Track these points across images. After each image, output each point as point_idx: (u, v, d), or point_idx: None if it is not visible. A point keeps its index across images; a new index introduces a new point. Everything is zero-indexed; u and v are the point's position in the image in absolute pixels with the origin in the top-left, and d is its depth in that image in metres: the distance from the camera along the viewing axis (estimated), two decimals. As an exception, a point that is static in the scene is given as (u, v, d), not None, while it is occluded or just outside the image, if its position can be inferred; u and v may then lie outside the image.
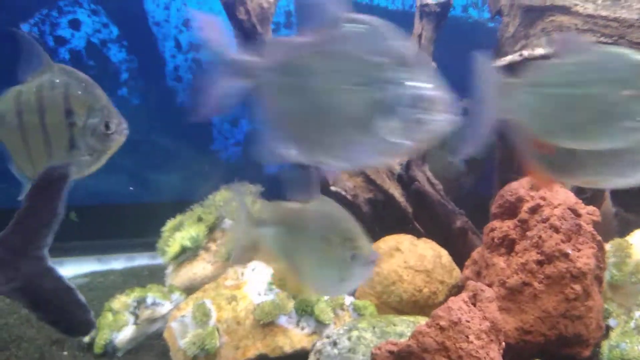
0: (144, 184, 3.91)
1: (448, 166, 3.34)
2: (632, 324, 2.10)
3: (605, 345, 2.07)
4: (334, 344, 1.90)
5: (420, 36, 3.17)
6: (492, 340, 1.71)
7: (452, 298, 1.74)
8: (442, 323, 1.67)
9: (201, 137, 3.83)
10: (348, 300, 2.30)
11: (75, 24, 3.61)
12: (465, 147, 1.56)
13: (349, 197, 2.82)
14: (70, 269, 3.53)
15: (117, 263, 3.63)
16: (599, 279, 2.14)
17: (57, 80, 1.88)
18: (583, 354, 2.08)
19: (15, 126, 1.90)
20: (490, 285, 2.16)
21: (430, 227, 2.70)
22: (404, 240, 2.50)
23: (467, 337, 1.64)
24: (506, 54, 2.92)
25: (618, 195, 2.87)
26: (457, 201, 2.94)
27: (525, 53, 2.80)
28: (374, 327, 1.97)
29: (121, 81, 3.70)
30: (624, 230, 2.56)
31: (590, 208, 2.22)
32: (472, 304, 1.75)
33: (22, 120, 1.89)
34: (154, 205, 3.70)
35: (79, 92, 1.88)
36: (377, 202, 2.89)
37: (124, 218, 3.76)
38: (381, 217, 2.89)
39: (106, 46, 3.66)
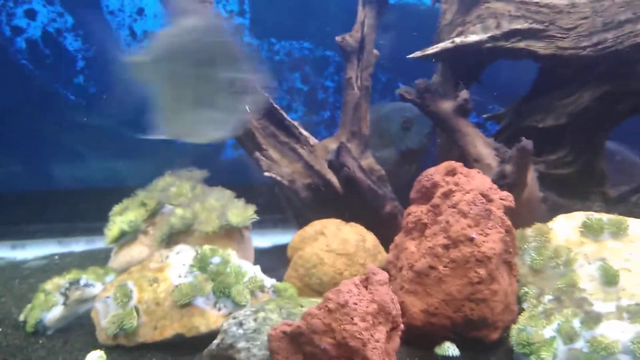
0: (106, 170, 3.91)
1: (384, 156, 3.34)
2: (540, 308, 2.08)
3: (514, 329, 2.06)
4: (240, 324, 1.89)
5: (362, 23, 3.15)
6: (380, 322, 1.70)
7: (344, 281, 1.74)
8: (330, 305, 1.66)
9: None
10: (269, 282, 2.29)
11: (30, 14, 3.59)
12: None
13: (285, 182, 2.82)
14: (31, 252, 3.56)
15: (77, 246, 3.65)
16: (508, 263, 2.12)
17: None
18: (491, 337, 2.07)
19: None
20: (402, 269, 2.16)
21: (361, 211, 2.69)
22: (330, 225, 2.49)
23: (353, 319, 1.63)
24: (443, 41, 2.90)
25: (549, 181, 2.86)
26: (398, 191, 2.93)
27: (457, 40, 2.78)
28: (281, 309, 1.96)
29: (77, 69, 3.69)
30: (556, 214, 2.55)
31: (504, 193, 2.21)
32: (364, 286, 1.74)
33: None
34: (116, 189, 3.71)
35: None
36: (316, 188, 2.89)
37: (86, 202, 3.77)
38: (320, 202, 2.89)
39: (62, 35, 3.64)
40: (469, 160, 2.72)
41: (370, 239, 2.49)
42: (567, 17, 2.65)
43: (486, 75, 3.22)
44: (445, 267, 2.01)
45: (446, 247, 2.03)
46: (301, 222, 2.77)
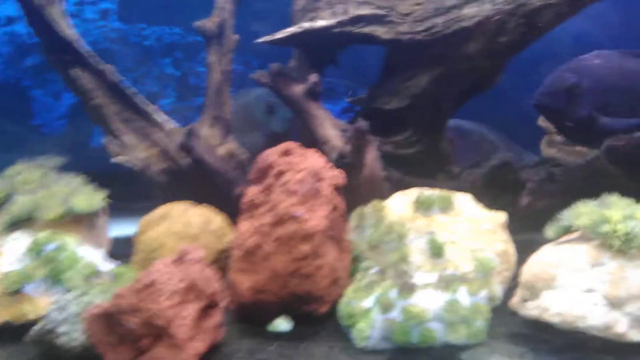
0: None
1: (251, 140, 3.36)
2: (364, 282, 2.15)
3: (341, 302, 2.12)
4: (62, 309, 1.86)
5: (222, 8, 3.15)
6: (191, 300, 1.72)
7: (157, 260, 1.75)
8: (138, 285, 1.67)
9: (21, 112, 3.70)
10: (108, 267, 2.27)
11: None
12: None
13: (137, 168, 2.79)
14: None
15: None
16: (335, 239, 2.18)
17: None
18: (320, 311, 2.12)
19: None
20: (235, 249, 2.19)
21: (213, 195, 2.69)
22: (175, 208, 2.48)
23: (159, 297, 1.64)
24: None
25: (396, 161, 2.96)
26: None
27: (306, 25, 2.82)
28: (105, 292, 1.95)
29: None
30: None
31: (335, 172, 2.26)
32: (176, 265, 1.76)
33: None
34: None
35: None
36: (174, 172, 2.88)
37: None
38: (176, 186, 2.88)
39: None
40: (318, 142, 2.78)
41: (217, 221, 2.50)
42: (404, 3, 2.73)
43: (357, 59, 3.28)
44: (271, 244, 2.04)
45: (273, 225, 2.06)
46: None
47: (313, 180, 2.14)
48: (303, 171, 2.16)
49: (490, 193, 2.57)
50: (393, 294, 2.00)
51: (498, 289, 2.27)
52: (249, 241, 2.08)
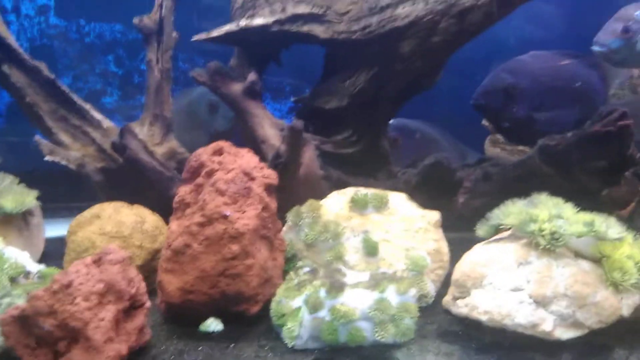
0: None
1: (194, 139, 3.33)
2: (295, 281, 2.14)
3: (273, 302, 2.11)
4: (-19, 311, 1.83)
5: (161, 5, 3.11)
6: (110, 301, 1.69)
7: (76, 261, 1.71)
8: (55, 286, 1.63)
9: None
10: (36, 267, 2.22)
11: None
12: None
13: (72, 166, 2.74)
14: None
15: None
16: (267, 239, 2.17)
17: None
18: (251, 311, 2.10)
19: None
20: (164, 248, 2.16)
21: (149, 194, 2.66)
22: (108, 208, 2.44)
23: (75, 299, 1.61)
24: (233, 25, 2.91)
25: (337, 160, 2.96)
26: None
27: (242, 23, 2.80)
28: (28, 293, 1.90)
29: None
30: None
31: (267, 171, 2.24)
32: (96, 266, 1.72)
33: None
34: None
35: None
36: (111, 171, 2.83)
37: None
38: (113, 185, 2.83)
39: None
40: (258, 141, 2.76)
41: (152, 220, 2.46)
42: (341, 1, 2.73)
43: (304, 58, 3.27)
44: (199, 244, 2.02)
45: (201, 224, 2.03)
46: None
47: (244, 180, 2.13)
48: (234, 170, 2.14)
49: (425, 192, 2.59)
50: (322, 293, 2.00)
51: (431, 287, 2.29)
52: (177, 241, 2.05)
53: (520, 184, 2.42)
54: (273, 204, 2.20)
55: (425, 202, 2.52)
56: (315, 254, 2.38)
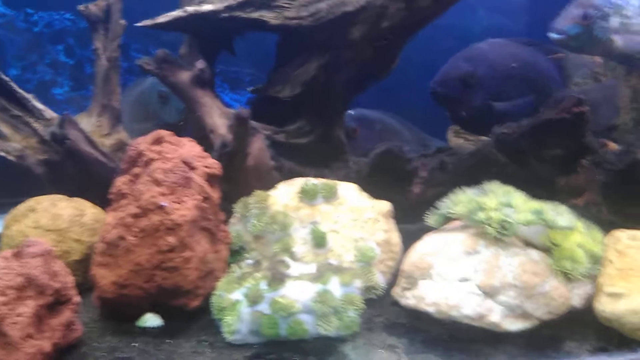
0: None
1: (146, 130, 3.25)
2: (238, 273, 2.08)
3: (214, 295, 2.04)
4: None
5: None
6: (29, 296, 1.61)
7: (-3, 255, 1.63)
8: (-31, 281, 1.55)
9: None
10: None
11: None
12: None
13: (12, 158, 2.65)
14: None
15: None
16: (209, 231, 2.10)
17: None
18: (191, 305, 2.02)
19: None
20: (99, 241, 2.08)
21: (92, 186, 2.57)
22: (45, 200, 2.35)
23: (-11, 294, 1.53)
24: (183, 10, 2.83)
25: (291, 150, 2.90)
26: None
27: (190, 9, 2.72)
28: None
29: None
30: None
31: (210, 161, 2.18)
32: (16, 259, 1.65)
33: None
34: None
35: None
36: (54, 163, 2.74)
37: None
38: (57, 178, 2.74)
39: None
40: (206, 131, 2.69)
41: (92, 213, 2.38)
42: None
43: (263, 46, 3.20)
44: (134, 236, 1.94)
45: (136, 216, 1.96)
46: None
47: (184, 169, 2.06)
48: (173, 160, 2.07)
49: (377, 182, 2.53)
50: (263, 285, 1.94)
51: (380, 279, 2.24)
52: (111, 233, 1.98)
53: (476, 173, 2.37)
54: (215, 195, 2.13)
55: (380, 192, 2.47)
56: (263, 246, 2.32)
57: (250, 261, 2.15)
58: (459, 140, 3.74)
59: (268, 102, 2.98)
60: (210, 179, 2.13)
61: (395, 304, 2.08)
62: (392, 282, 2.23)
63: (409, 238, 2.35)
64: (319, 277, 1.98)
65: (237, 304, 1.91)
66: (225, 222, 2.35)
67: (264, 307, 1.89)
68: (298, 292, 1.91)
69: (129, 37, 3.16)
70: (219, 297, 1.99)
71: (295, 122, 2.90)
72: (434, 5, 2.59)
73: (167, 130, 2.32)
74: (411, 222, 2.50)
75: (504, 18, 4.56)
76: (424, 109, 3.88)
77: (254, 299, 1.90)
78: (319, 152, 2.89)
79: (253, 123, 2.56)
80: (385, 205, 2.36)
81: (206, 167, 2.14)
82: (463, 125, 3.33)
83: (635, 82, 3.32)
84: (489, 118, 2.84)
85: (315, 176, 2.54)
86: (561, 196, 2.62)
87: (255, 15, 2.73)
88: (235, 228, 2.36)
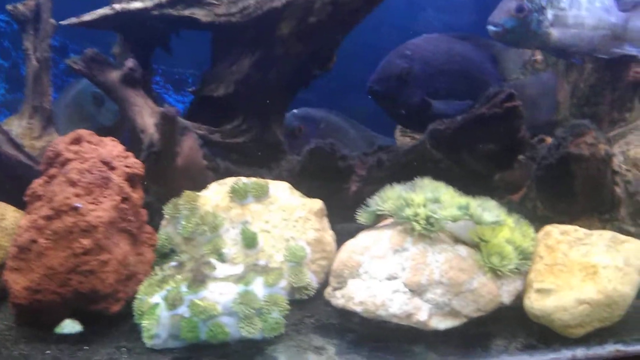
0: None
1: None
2: (159, 276, 2.01)
3: (136, 299, 1.97)
4: None
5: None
6: None
7: None
8: None
9: None
10: None
11: None
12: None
13: None
14: None
15: None
16: (130, 232, 2.02)
17: None
18: (111, 309, 1.93)
19: None
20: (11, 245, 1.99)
21: (14, 188, 2.48)
22: (-38, 204, 2.26)
23: None
24: (113, 8, 2.75)
25: (226, 150, 2.84)
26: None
27: (118, 7, 2.64)
28: None
29: None
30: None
31: (131, 161, 2.10)
32: None
33: None
34: None
35: None
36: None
37: None
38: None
39: None
40: (137, 131, 2.62)
41: (13, 217, 2.27)
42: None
43: (204, 46, 3.13)
44: (46, 239, 1.86)
45: (49, 218, 1.88)
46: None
47: (101, 169, 1.99)
48: (91, 160, 2.00)
49: (310, 180, 2.49)
50: (183, 288, 1.88)
51: (312, 279, 2.19)
52: (23, 236, 1.89)
53: (413, 170, 2.33)
54: (137, 195, 2.06)
55: (316, 191, 2.42)
56: (193, 248, 2.25)
57: (173, 263, 2.09)
58: (405, 139, 3.72)
59: (205, 102, 2.92)
60: (132, 179, 2.06)
61: (327, 304, 2.04)
62: (325, 282, 2.18)
63: (347, 237, 2.31)
64: (242, 278, 1.92)
65: (156, 307, 1.85)
66: (158, 223, 2.29)
67: (183, 310, 1.83)
68: (219, 293, 1.85)
69: (67, 37, 3.07)
70: (140, 300, 1.93)
71: (231, 122, 2.84)
72: (360, 1, 2.54)
73: (103, 132, 2.26)
74: (350, 220, 2.46)
75: (447, 14, 4.55)
76: (375, 107, 3.85)
77: (173, 302, 1.84)
78: (256, 152, 2.83)
79: (184, 122, 2.50)
80: (316, 204, 2.31)
81: (127, 167, 2.07)
82: (403, 123, 3.30)
83: (575, 77, 3.33)
84: (427, 115, 2.80)
85: (252, 176, 2.48)
86: (498, 192, 2.61)
87: (187, 12, 2.67)
88: (166, 230, 2.29)
